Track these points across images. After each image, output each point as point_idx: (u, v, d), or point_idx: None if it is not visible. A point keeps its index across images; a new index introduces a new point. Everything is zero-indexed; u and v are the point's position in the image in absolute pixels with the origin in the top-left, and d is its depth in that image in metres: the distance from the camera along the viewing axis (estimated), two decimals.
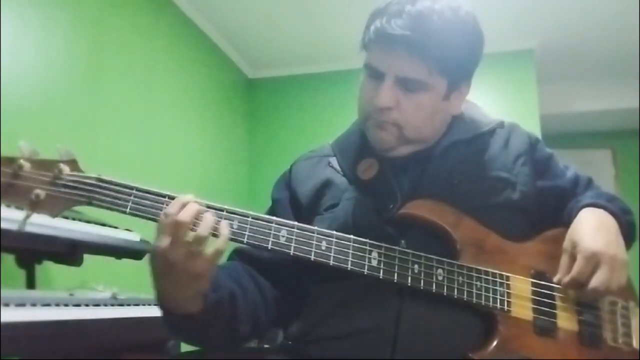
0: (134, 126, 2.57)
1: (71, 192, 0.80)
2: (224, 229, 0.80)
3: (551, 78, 3.83)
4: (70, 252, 1.36)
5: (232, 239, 0.82)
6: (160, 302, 0.83)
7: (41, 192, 0.77)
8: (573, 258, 0.94)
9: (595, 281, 0.91)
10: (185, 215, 0.77)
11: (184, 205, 0.78)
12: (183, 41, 3.09)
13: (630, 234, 1.04)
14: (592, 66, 3.81)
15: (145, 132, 2.66)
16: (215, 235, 0.80)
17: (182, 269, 0.77)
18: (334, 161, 1.08)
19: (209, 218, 0.79)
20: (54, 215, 0.81)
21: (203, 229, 0.78)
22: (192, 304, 0.82)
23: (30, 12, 2.00)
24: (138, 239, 1.57)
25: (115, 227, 1.52)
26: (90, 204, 0.81)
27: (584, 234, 0.94)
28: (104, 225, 1.47)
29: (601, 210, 0.99)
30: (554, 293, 0.95)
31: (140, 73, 2.64)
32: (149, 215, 0.81)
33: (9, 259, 1.51)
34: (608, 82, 3.99)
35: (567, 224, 1.00)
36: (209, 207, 0.83)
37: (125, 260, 1.58)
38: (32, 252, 1.49)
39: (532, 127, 3.24)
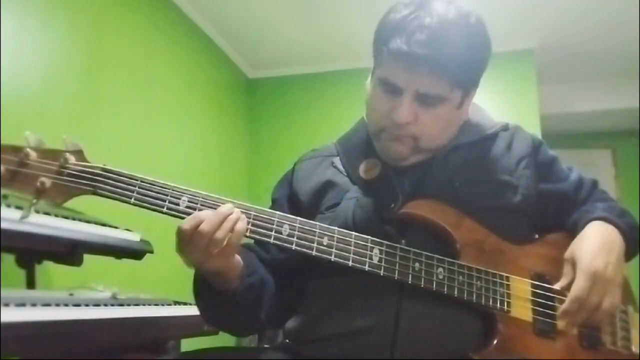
0: (134, 126, 2.56)
1: (76, 181, 0.81)
2: (240, 224, 0.83)
3: (551, 78, 3.82)
4: (70, 252, 1.35)
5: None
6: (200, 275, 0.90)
7: (47, 180, 0.78)
8: (574, 269, 0.94)
9: (589, 301, 0.90)
10: (207, 227, 0.80)
11: (200, 220, 0.81)
12: (183, 41, 3.08)
13: (634, 250, 1.04)
14: (592, 66, 3.80)
15: (145, 132, 2.65)
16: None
17: (201, 267, 0.84)
18: (337, 161, 1.08)
19: (227, 226, 0.82)
20: (58, 204, 0.82)
21: (220, 232, 0.80)
22: (226, 283, 0.89)
23: (30, 12, 2.00)
24: (138, 239, 1.57)
25: (115, 227, 1.51)
26: (95, 193, 0.82)
27: (586, 251, 0.94)
28: (104, 225, 1.46)
29: (610, 227, 0.98)
30: (553, 295, 0.95)
31: (140, 73, 2.64)
32: (154, 207, 0.83)
33: (9, 259, 1.51)
34: (608, 82, 3.98)
35: (572, 231, 1.00)
36: (209, 201, 0.85)
37: (125, 260, 1.58)
38: (32, 252, 1.49)
39: (532, 127, 3.23)
